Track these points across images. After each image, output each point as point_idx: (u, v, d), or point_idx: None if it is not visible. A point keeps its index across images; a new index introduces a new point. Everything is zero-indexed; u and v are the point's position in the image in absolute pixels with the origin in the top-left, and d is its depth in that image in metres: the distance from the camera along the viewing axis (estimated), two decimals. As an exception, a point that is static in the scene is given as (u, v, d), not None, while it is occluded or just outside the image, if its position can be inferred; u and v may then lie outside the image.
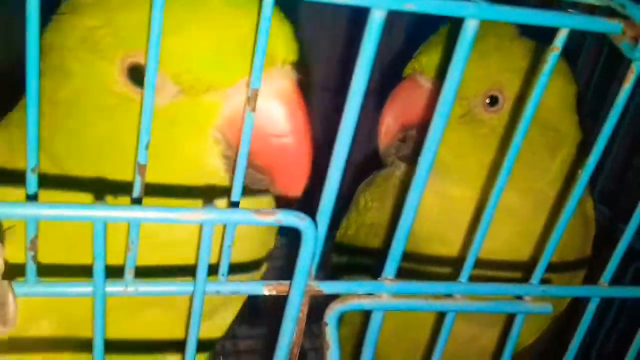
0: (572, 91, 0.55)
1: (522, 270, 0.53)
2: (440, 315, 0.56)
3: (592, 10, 0.33)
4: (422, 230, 0.57)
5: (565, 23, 0.30)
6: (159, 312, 0.48)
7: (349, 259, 0.70)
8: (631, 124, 0.81)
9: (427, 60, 0.53)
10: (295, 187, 0.41)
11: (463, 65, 0.31)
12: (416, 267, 0.58)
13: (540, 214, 0.55)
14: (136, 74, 0.38)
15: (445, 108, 0.31)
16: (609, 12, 0.31)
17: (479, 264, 0.54)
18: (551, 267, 0.56)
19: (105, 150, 0.39)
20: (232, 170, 0.36)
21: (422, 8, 0.28)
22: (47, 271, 0.34)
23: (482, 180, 0.54)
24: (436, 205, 0.56)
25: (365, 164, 0.70)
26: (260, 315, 0.91)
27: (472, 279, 0.38)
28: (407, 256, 0.57)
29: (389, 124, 0.54)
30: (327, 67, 1.01)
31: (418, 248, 0.57)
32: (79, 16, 0.38)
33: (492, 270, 0.55)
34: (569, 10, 0.30)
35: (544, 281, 0.40)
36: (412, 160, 0.54)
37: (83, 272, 0.32)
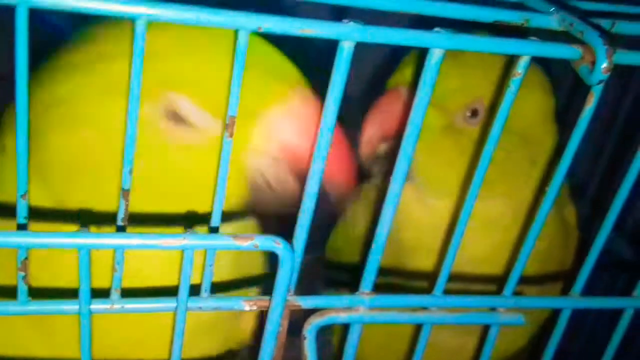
0: (550, 103, 0.57)
1: (503, 281, 0.54)
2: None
3: (555, 35, 0.34)
4: (407, 240, 0.58)
5: (526, 50, 0.32)
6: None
7: (337, 274, 0.71)
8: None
9: (410, 73, 0.54)
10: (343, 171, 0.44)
11: (430, 92, 0.32)
12: (403, 278, 0.60)
13: (520, 223, 0.56)
14: (175, 115, 0.41)
15: (413, 134, 0.32)
16: (571, 38, 0.33)
17: (462, 275, 0.56)
18: (530, 278, 0.58)
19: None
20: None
21: (388, 40, 0.30)
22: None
23: (465, 191, 0.55)
24: (420, 216, 0.57)
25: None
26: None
27: (456, 290, 0.40)
28: (393, 267, 0.59)
29: (371, 134, 0.55)
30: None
31: (404, 258, 0.58)
32: (108, 64, 0.41)
33: (474, 281, 0.56)
34: (531, 37, 0.32)
35: (517, 293, 0.41)
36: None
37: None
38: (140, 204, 0.38)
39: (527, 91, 0.54)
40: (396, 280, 0.59)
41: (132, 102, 0.30)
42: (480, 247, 0.56)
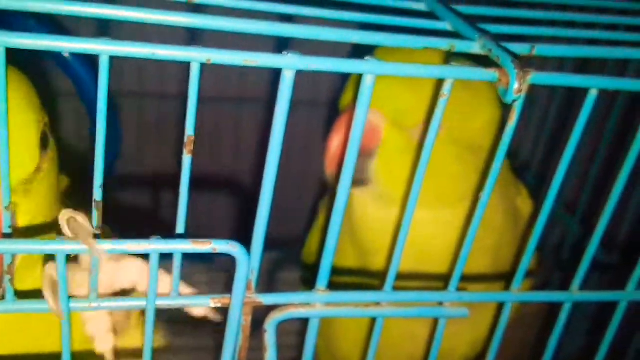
0: (497, 115, 0.60)
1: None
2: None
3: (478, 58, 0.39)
4: (370, 243, 0.62)
5: (449, 75, 0.36)
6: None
7: (314, 274, 0.75)
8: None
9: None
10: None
11: (366, 111, 0.36)
12: (368, 278, 0.64)
13: (465, 224, 0.60)
14: None
15: (353, 151, 0.36)
16: (490, 61, 0.37)
17: (419, 274, 0.61)
18: (482, 273, 0.62)
19: None
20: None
21: (325, 68, 0.34)
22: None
23: (419, 201, 0.59)
24: (381, 222, 0.61)
25: (321, 177, 0.75)
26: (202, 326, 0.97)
27: (412, 287, 0.44)
28: (359, 268, 0.63)
29: (333, 152, 0.58)
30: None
31: (368, 260, 0.63)
32: None
33: (431, 279, 0.61)
34: (452, 63, 0.36)
35: (462, 288, 0.45)
36: (360, 184, 0.59)
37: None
38: None
39: (477, 107, 0.59)
40: (362, 280, 0.64)
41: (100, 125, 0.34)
42: (434, 249, 0.60)
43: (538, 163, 0.93)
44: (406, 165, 0.57)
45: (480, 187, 0.60)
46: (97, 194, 0.36)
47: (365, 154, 0.58)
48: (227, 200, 1.21)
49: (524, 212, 0.69)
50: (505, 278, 0.63)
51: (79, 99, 1.05)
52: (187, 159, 0.36)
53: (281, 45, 0.35)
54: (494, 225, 0.62)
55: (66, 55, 0.99)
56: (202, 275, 1.08)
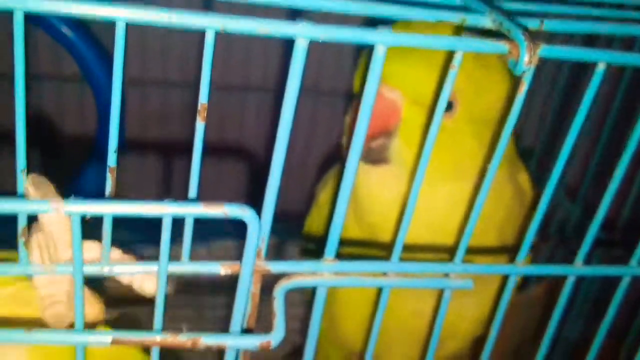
0: (509, 90, 0.61)
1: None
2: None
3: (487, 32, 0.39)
4: (380, 216, 0.63)
5: (460, 46, 0.36)
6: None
7: (316, 247, 0.76)
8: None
9: (387, 68, 0.58)
10: None
11: (377, 82, 0.37)
12: (377, 250, 0.65)
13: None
14: None
15: (364, 122, 0.37)
16: (501, 35, 0.38)
17: (430, 246, 0.61)
18: (491, 246, 0.63)
19: None
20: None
21: (337, 38, 0.35)
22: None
23: (434, 177, 0.60)
24: (395, 196, 0.61)
25: (331, 161, 0.76)
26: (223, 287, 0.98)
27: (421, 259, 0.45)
28: (368, 241, 0.64)
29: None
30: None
31: (373, 237, 0.63)
32: None
33: (441, 251, 0.61)
34: (465, 34, 0.37)
35: (467, 260, 0.46)
36: (381, 162, 0.60)
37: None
38: None
39: (491, 82, 0.59)
40: (371, 252, 0.64)
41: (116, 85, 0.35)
42: (453, 223, 0.60)
43: (540, 150, 0.94)
44: (422, 141, 0.58)
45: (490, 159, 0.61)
46: (112, 160, 0.36)
47: (385, 133, 0.58)
48: (232, 179, 1.22)
49: (525, 189, 0.69)
50: (508, 252, 0.64)
51: (86, 81, 1.06)
52: (200, 126, 0.37)
53: (291, 19, 0.35)
54: (503, 200, 0.63)
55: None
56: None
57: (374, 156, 0.59)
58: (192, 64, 1.14)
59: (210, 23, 0.33)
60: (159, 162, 1.19)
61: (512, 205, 0.64)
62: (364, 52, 0.61)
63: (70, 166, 1.19)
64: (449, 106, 0.58)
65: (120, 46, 0.33)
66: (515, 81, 0.62)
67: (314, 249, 0.77)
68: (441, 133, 0.59)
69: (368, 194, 0.63)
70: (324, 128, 1.19)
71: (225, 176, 1.21)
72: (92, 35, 1.05)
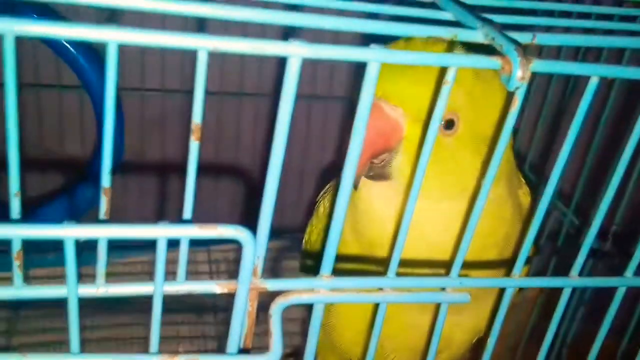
0: (504, 103, 0.61)
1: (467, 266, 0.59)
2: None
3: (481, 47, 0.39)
4: (378, 232, 0.62)
5: (453, 62, 0.36)
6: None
7: (314, 262, 0.76)
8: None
9: (389, 87, 0.56)
10: None
11: (371, 100, 0.37)
12: (375, 266, 0.64)
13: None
14: None
15: (357, 141, 0.37)
16: (494, 50, 0.38)
17: (427, 262, 0.61)
18: (492, 261, 0.63)
19: None
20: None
21: (330, 56, 0.35)
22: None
23: (435, 194, 0.60)
24: (394, 212, 0.61)
25: (329, 170, 0.76)
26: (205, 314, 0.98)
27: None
28: (367, 258, 0.64)
29: (360, 153, 0.57)
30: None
31: (371, 253, 0.63)
32: None
33: (437, 267, 0.61)
34: (456, 51, 0.37)
35: (464, 275, 0.46)
36: (382, 178, 0.59)
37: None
38: None
39: (490, 99, 0.59)
40: (369, 268, 0.64)
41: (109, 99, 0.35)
42: (452, 240, 0.60)
43: (534, 156, 0.94)
44: (431, 162, 0.57)
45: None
46: (106, 180, 0.36)
47: (386, 150, 0.58)
48: (229, 192, 1.22)
49: (524, 204, 0.69)
50: (505, 265, 0.64)
51: (86, 91, 1.06)
52: (194, 145, 0.36)
53: (285, 38, 0.35)
54: (503, 218, 0.63)
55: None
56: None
57: (376, 171, 0.59)
58: (190, 72, 1.14)
59: (202, 44, 0.33)
60: (156, 174, 1.19)
61: (512, 223, 0.65)
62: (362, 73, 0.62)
63: (69, 180, 1.19)
64: (451, 124, 0.58)
65: (113, 68, 0.33)
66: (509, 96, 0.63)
67: (312, 264, 0.77)
68: (443, 151, 0.60)
69: (368, 209, 0.63)
70: (319, 134, 1.19)
71: (221, 186, 1.21)
72: (90, 46, 1.05)
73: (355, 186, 0.58)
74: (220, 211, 1.20)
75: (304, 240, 0.80)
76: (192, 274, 1.06)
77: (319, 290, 0.43)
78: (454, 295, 0.46)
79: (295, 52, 0.34)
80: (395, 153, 0.58)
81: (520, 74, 0.35)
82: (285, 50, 0.34)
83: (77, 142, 1.18)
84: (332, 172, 0.78)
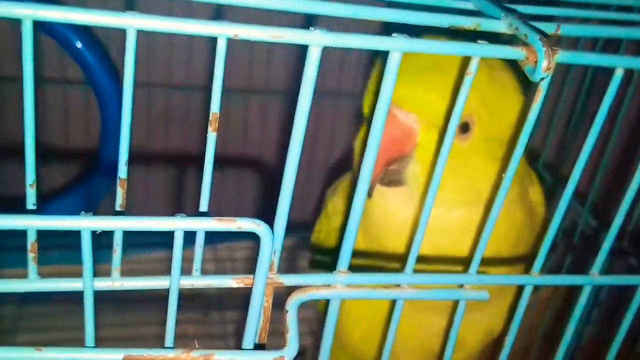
0: (521, 104, 0.60)
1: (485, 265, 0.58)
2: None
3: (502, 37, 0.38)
4: (393, 237, 0.62)
5: (477, 52, 0.36)
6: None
7: (324, 258, 0.75)
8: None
9: (402, 93, 0.53)
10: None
11: (391, 92, 0.36)
12: (387, 264, 0.63)
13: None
14: None
15: (376, 137, 0.36)
16: (517, 40, 0.37)
17: (444, 259, 0.60)
18: (505, 259, 0.62)
19: None
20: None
21: (351, 44, 0.34)
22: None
23: (448, 202, 0.59)
24: (407, 217, 0.60)
25: (341, 167, 0.76)
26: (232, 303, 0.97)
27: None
28: (380, 255, 0.63)
29: (374, 161, 0.56)
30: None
31: (387, 249, 0.62)
32: None
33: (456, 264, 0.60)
34: (479, 40, 0.36)
35: (482, 272, 0.45)
36: (396, 184, 0.58)
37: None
38: None
39: (505, 101, 0.58)
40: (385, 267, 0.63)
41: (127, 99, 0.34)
42: (466, 247, 0.59)
43: (549, 154, 0.93)
44: (446, 168, 0.57)
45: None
46: (122, 171, 0.35)
47: (401, 157, 0.57)
48: (244, 187, 1.21)
49: (536, 203, 0.69)
50: (516, 266, 0.63)
51: (90, 86, 1.05)
52: (211, 136, 0.36)
53: (304, 27, 0.34)
54: (515, 222, 0.62)
55: (78, 45, 0.98)
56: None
57: (391, 177, 0.58)
58: (198, 67, 1.13)
59: (222, 31, 0.32)
60: (166, 168, 1.19)
61: (522, 225, 0.64)
62: (372, 74, 0.61)
63: (76, 172, 1.18)
64: (466, 128, 0.57)
65: (131, 55, 0.33)
66: (528, 91, 0.62)
67: (322, 260, 0.76)
68: (457, 158, 0.58)
69: (383, 215, 0.61)
70: (328, 130, 1.18)
71: (230, 183, 1.20)
72: (96, 40, 1.04)
73: (370, 194, 0.56)
74: (234, 206, 1.19)
75: (312, 240, 0.79)
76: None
77: (335, 285, 0.42)
78: (473, 292, 0.45)
79: (316, 40, 0.33)
80: (409, 159, 0.57)
81: (545, 64, 0.35)
82: (306, 39, 0.33)
83: (81, 137, 1.17)
84: (340, 169, 0.76)
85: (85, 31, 1.01)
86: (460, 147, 0.57)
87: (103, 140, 1.09)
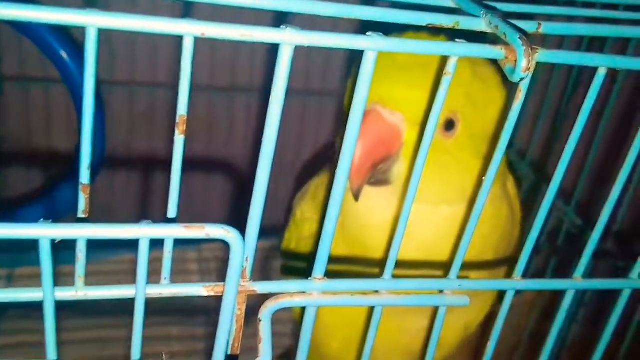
0: (504, 102, 0.59)
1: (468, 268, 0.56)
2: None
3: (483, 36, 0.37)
4: (376, 235, 0.60)
5: (454, 52, 0.34)
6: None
7: (297, 264, 0.73)
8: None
9: (386, 91, 0.54)
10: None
11: (367, 93, 0.35)
12: (366, 270, 0.62)
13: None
14: None
15: (352, 136, 0.35)
16: (497, 39, 0.36)
17: (423, 263, 0.59)
18: (485, 262, 0.61)
19: None
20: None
21: (325, 43, 0.32)
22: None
23: (435, 199, 0.58)
24: (391, 216, 0.59)
25: (313, 164, 0.74)
26: (196, 316, 0.95)
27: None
28: (356, 261, 0.61)
29: (361, 164, 0.53)
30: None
31: (367, 256, 0.61)
32: None
33: (437, 268, 0.59)
34: (457, 40, 0.34)
35: (463, 276, 0.44)
36: (383, 184, 0.57)
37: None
38: None
39: (488, 96, 0.57)
40: (359, 271, 0.62)
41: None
42: (450, 245, 0.58)
43: (535, 153, 0.92)
44: (432, 165, 0.55)
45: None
46: (84, 176, 0.34)
47: (388, 158, 0.55)
48: (220, 188, 1.19)
49: (512, 197, 0.68)
50: (502, 266, 0.62)
51: (66, 86, 1.03)
52: (179, 139, 0.34)
53: (277, 25, 0.33)
54: (501, 217, 0.61)
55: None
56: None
57: (377, 177, 0.56)
58: (163, 66, 1.11)
59: (189, 29, 0.31)
60: (145, 170, 1.16)
61: (507, 221, 0.63)
62: (353, 72, 0.59)
63: (56, 176, 1.15)
64: (451, 125, 0.56)
65: (92, 54, 0.31)
66: (509, 88, 0.61)
67: (296, 266, 0.74)
68: (443, 154, 0.57)
69: (364, 215, 0.60)
70: (313, 130, 1.16)
71: (212, 182, 1.18)
72: (71, 37, 1.02)
73: (357, 197, 0.54)
74: (210, 207, 1.17)
75: (282, 248, 0.77)
76: (181, 274, 1.02)
77: (311, 293, 0.41)
78: (453, 298, 0.43)
79: (288, 39, 0.32)
80: (395, 159, 0.56)
81: (525, 64, 0.33)
82: (277, 37, 0.32)
83: (65, 138, 1.14)
84: (315, 165, 0.75)
85: (59, 29, 0.99)
86: (446, 145, 0.56)
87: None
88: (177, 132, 0.34)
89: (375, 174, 0.56)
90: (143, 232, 0.33)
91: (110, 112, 1.07)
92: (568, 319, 0.86)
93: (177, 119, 0.33)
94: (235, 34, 0.31)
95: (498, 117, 0.59)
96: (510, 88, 0.59)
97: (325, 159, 0.72)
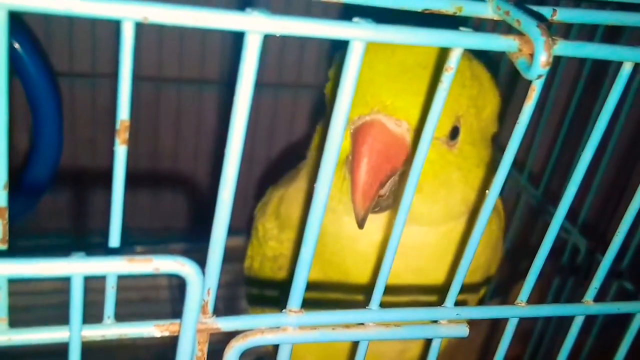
0: (498, 102, 0.54)
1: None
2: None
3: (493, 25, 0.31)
4: (356, 266, 0.54)
5: (459, 43, 0.28)
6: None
7: (259, 292, 0.67)
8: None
9: (389, 98, 0.46)
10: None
11: (353, 91, 0.28)
12: (350, 296, 0.56)
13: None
14: None
15: (335, 142, 0.29)
16: (508, 27, 0.30)
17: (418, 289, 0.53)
18: (475, 284, 0.56)
19: None
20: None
21: (299, 32, 0.26)
22: None
23: (437, 218, 0.52)
24: (376, 245, 0.53)
25: (286, 162, 0.68)
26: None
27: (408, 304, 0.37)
28: (339, 286, 0.55)
29: (368, 184, 0.45)
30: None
31: (349, 279, 0.55)
32: None
33: (422, 293, 0.54)
34: (461, 28, 0.28)
35: (460, 303, 0.38)
36: (389, 208, 0.49)
37: None
38: None
39: (484, 97, 0.51)
40: (338, 298, 0.56)
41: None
42: (438, 266, 0.53)
43: (535, 164, 0.84)
44: (435, 182, 0.49)
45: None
46: (1, 198, 0.27)
47: (394, 174, 0.47)
48: (189, 186, 1.11)
49: (499, 208, 0.62)
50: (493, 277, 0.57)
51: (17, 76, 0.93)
52: (121, 149, 0.28)
53: (244, 6, 0.26)
54: (490, 237, 0.57)
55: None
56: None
57: (382, 205, 0.49)
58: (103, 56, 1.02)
59: (128, 13, 0.24)
60: (108, 167, 1.07)
61: (496, 239, 0.58)
62: (336, 59, 0.53)
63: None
64: (455, 133, 0.50)
65: (3, 37, 0.24)
66: (511, 88, 0.55)
67: (262, 294, 0.67)
68: (447, 168, 0.50)
69: (352, 236, 0.53)
70: (287, 126, 1.08)
71: (179, 180, 1.10)
72: (25, 27, 0.93)
73: (362, 224, 0.46)
74: (173, 212, 1.09)
75: (245, 267, 0.70)
76: (152, 302, 0.90)
77: (285, 328, 0.35)
78: (450, 328, 0.38)
79: (255, 27, 0.26)
80: (400, 174, 0.47)
81: (545, 58, 0.27)
82: (242, 24, 0.25)
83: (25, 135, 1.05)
84: (285, 162, 0.68)
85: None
86: (450, 156, 0.50)
87: (32, 149, 0.96)
88: (117, 141, 0.27)
89: (381, 201, 0.48)
90: (76, 267, 0.26)
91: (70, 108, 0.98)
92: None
93: (117, 125, 0.27)
94: (187, 19, 0.25)
95: (492, 121, 0.54)
96: (511, 87, 0.54)
97: (297, 157, 0.65)
